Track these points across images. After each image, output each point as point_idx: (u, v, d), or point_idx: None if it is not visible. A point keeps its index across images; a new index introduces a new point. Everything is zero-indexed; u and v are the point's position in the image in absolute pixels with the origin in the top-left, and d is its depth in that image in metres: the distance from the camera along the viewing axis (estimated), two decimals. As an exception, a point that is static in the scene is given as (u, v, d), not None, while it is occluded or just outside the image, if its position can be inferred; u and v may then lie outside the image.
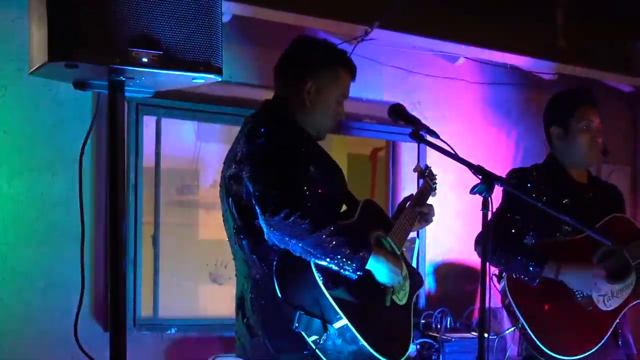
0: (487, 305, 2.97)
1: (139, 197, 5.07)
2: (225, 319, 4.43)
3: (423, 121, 3.24)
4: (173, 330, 5.17)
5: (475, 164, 3.05)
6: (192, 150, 6.40)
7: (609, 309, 3.72)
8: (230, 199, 3.12)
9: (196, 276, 6.37)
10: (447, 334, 5.60)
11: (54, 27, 2.13)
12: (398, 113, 3.26)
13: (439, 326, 5.68)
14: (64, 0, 2.13)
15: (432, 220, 3.50)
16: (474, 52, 6.05)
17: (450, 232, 6.03)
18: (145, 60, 2.19)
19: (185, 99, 5.08)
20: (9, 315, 4.60)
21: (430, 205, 3.49)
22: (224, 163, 3.21)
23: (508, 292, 3.73)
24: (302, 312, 2.94)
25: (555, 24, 6.28)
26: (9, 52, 4.58)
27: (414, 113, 3.36)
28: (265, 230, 2.94)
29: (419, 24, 5.60)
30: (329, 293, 2.93)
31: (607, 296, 3.72)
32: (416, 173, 3.75)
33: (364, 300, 3.05)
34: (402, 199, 3.63)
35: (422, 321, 5.70)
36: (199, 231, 6.52)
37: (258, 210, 2.94)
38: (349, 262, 2.94)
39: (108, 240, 2.39)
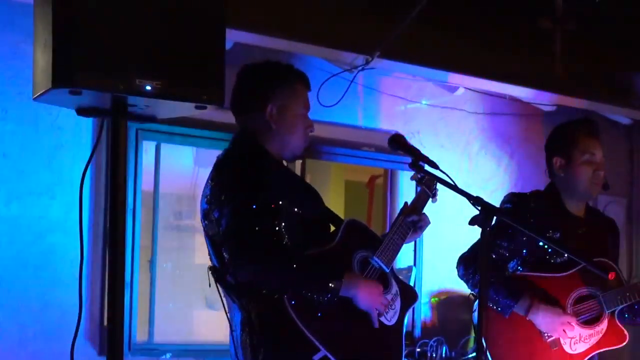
0: (483, 334, 2.96)
1: (137, 221, 5.07)
2: (221, 345, 4.41)
3: (422, 151, 3.25)
4: (168, 355, 5.15)
5: (474, 195, 3.04)
6: (189, 175, 6.42)
7: (574, 352, 3.69)
8: (206, 236, 3.12)
9: (192, 301, 6.35)
10: (443, 364, 5.60)
11: (58, 54, 2.14)
12: (398, 143, 3.25)
13: (434, 355, 5.67)
14: (69, 27, 2.14)
15: (425, 228, 3.38)
16: (474, 82, 6.07)
17: (447, 261, 6.01)
18: (148, 88, 2.20)
19: (184, 124, 5.08)
20: (4, 337, 4.58)
21: (424, 214, 3.37)
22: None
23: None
24: (280, 351, 2.93)
25: (554, 56, 6.31)
26: (10, 75, 4.60)
27: (413, 142, 3.36)
28: (232, 269, 2.95)
29: (419, 54, 5.62)
30: (305, 327, 2.88)
31: (575, 339, 3.68)
32: (414, 181, 3.65)
33: (348, 326, 3.02)
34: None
35: (418, 349, 5.69)
36: (195, 256, 6.52)
37: (225, 250, 2.94)
38: (321, 295, 2.93)
39: (107, 265, 2.39)
